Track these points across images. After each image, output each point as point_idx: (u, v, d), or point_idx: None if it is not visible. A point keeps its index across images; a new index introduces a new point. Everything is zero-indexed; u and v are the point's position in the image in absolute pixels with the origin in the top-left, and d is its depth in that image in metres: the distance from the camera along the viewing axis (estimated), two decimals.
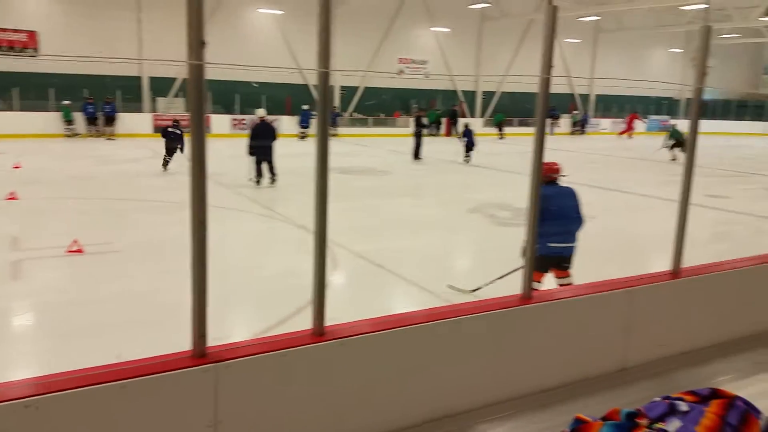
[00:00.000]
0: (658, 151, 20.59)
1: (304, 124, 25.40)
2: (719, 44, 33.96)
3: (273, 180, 12.82)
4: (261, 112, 13.63)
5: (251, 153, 12.61)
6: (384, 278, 6.84)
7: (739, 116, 39.46)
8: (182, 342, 2.61)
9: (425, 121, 20.60)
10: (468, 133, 18.79)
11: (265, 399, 2.71)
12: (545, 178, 4.99)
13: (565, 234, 5.28)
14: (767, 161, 21.91)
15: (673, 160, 19.46)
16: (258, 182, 12.73)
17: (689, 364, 4.12)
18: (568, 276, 5.40)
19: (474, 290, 6.07)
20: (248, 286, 6.39)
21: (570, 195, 5.35)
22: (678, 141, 19.46)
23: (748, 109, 40.40)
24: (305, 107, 25.43)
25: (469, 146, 18.46)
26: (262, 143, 12.53)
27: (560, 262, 5.34)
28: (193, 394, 2.54)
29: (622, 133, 32.77)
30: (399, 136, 25.41)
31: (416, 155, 18.86)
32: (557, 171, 5.36)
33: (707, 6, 26.08)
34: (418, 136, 18.89)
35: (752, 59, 41.20)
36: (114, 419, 2.39)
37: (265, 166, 12.73)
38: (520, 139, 26.74)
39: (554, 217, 4.93)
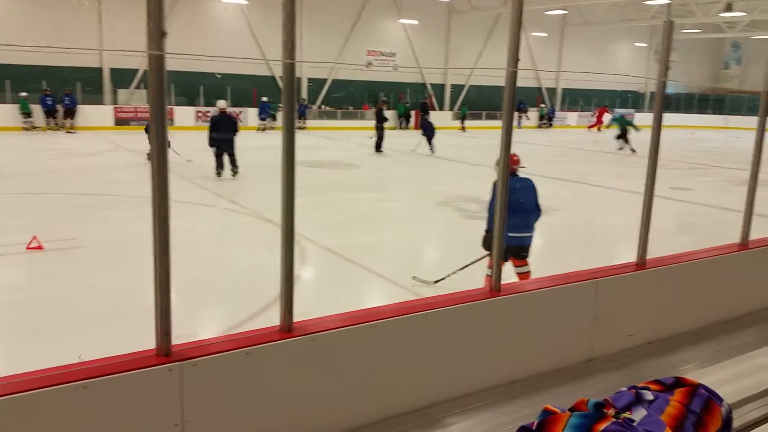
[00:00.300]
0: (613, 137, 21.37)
1: (263, 116, 25.42)
2: (681, 39, 34.71)
3: (234, 172, 12.71)
4: (222, 103, 13.41)
5: (211, 144, 12.52)
6: (354, 272, 6.81)
7: (701, 110, 40.49)
8: (147, 340, 2.55)
9: (386, 114, 20.76)
10: (427, 125, 18.98)
11: (232, 397, 2.67)
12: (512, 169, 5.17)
13: (524, 224, 5.44)
14: (728, 154, 22.49)
15: (621, 149, 20.50)
16: (219, 174, 12.61)
17: (655, 354, 4.21)
18: (526, 264, 5.62)
19: (438, 281, 6.13)
20: (216, 282, 6.30)
21: (529, 187, 5.51)
22: (624, 130, 20.52)
23: (710, 102, 41.47)
24: (264, 99, 25.34)
25: (429, 137, 18.68)
26: (222, 135, 12.46)
27: (519, 252, 5.54)
28: (159, 394, 2.48)
29: (591, 126, 33.21)
30: (368, 128, 25.37)
31: (378, 148, 18.92)
32: (516, 163, 5.44)
33: (669, 2, 26.61)
34: (380, 129, 18.94)
35: (713, 54, 42.25)
36: (76, 421, 2.32)
37: (226, 159, 12.64)
38: (488, 132, 26.95)
39: (514, 208, 4.96)
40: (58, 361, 2.43)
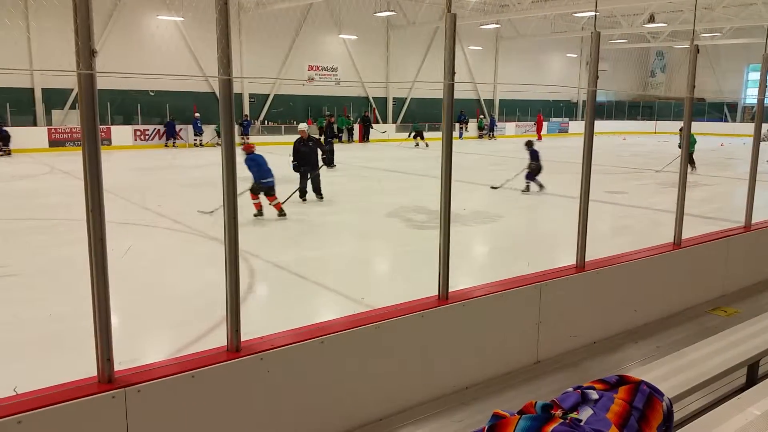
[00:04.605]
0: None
1: (197, 131, 26.02)
2: (610, 49, 36.18)
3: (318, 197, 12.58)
4: (302, 126, 13.06)
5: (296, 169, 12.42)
6: (304, 288, 6.74)
7: (631, 116, 42.34)
8: (88, 369, 2.45)
9: (335, 128, 20.81)
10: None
11: (180, 422, 2.59)
12: (249, 151, 10.20)
13: (266, 173, 10.08)
14: (659, 158, 23.46)
15: (416, 146, 26.81)
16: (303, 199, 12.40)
17: (599, 353, 4.34)
18: (275, 198, 10.40)
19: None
20: (159, 304, 6.11)
21: (261, 157, 10.20)
22: (418, 132, 27.75)
23: (640, 109, 43.40)
24: (197, 115, 25.35)
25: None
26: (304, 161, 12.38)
27: (268, 192, 10.21)
28: (102, 423, 2.39)
29: (538, 135, 33.49)
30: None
31: (329, 164, 18.87)
32: (253, 147, 10.29)
33: (596, 13, 27.72)
34: (329, 144, 18.91)
35: (640, 63, 44.20)
36: None
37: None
38: (430, 143, 27.30)
39: (258, 168, 10.12)
40: None
